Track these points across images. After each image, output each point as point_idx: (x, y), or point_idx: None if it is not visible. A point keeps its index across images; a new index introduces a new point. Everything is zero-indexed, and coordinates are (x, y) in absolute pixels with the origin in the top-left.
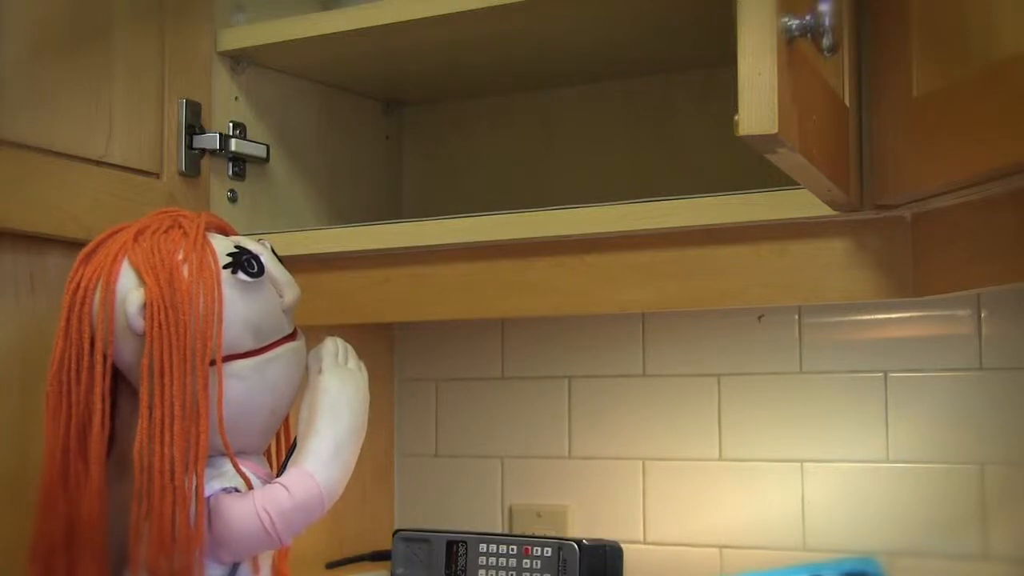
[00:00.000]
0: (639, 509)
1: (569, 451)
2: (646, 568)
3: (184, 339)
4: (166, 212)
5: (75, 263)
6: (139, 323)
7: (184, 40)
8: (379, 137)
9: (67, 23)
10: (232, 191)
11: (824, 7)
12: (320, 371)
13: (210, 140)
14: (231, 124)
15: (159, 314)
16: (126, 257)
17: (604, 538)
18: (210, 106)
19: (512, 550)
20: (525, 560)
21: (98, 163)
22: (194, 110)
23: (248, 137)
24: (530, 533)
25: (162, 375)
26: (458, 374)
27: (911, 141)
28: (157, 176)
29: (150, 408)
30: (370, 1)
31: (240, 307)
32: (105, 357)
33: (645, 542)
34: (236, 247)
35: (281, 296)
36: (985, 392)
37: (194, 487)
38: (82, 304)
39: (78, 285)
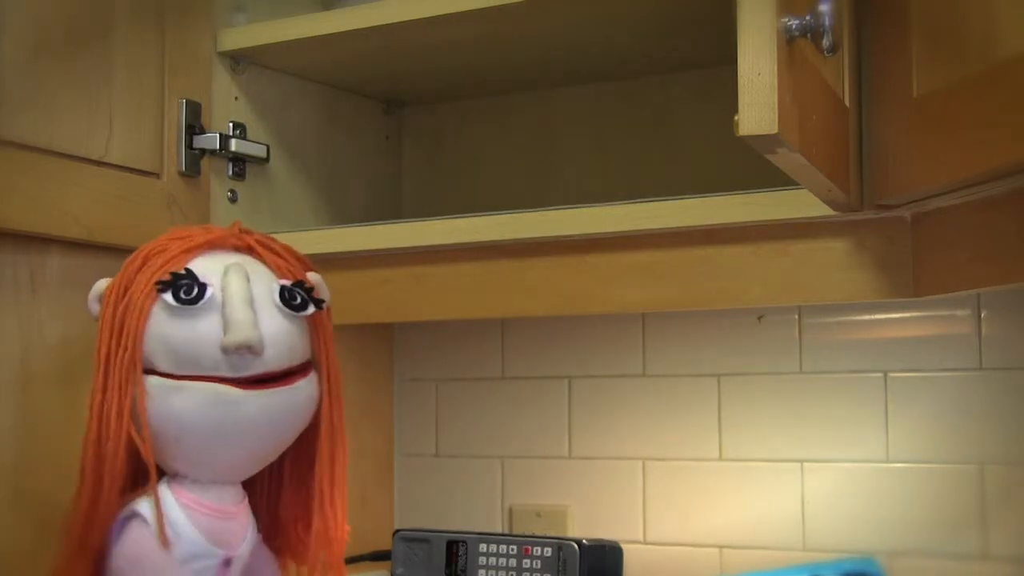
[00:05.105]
0: (639, 509)
1: (569, 451)
2: (646, 568)
3: (108, 335)
4: (231, 230)
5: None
6: (95, 309)
7: (184, 40)
8: (379, 137)
9: (67, 23)
10: (232, 191)
11: (824, 7)
12: None
13: (210, 140)
14: (231, 124)
15: (105, 307)
16: None
17: (604, 538)
18: (210, 106)
19: (512, 550)
20: (525, 560)
21: (98, 163)
22: (194, 110)
23: (248, 137)
24: (530, 533)
25: (98, 365)
26: (458, 374)
27: (911, 141)
28: (157, 176)
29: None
30: (370, 1)
31: (163, 325)
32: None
33: (645, 542)
34: (187, 271)
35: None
36: (985, 392)
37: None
38: None
39: None
